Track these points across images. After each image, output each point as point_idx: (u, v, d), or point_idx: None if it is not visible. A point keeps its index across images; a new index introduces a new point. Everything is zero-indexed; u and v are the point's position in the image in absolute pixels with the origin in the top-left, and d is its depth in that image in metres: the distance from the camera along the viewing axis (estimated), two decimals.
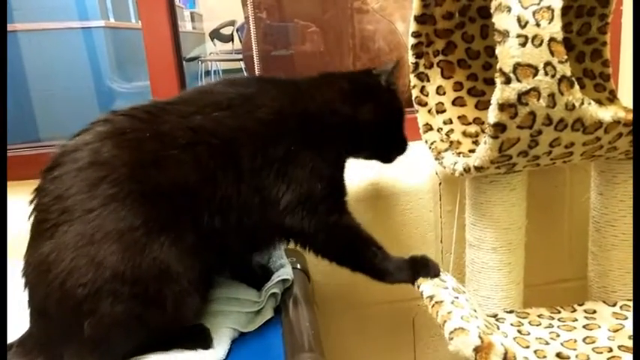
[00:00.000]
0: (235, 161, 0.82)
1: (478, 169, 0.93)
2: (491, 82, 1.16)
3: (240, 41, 5.58)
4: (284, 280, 0.98)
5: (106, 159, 0.75)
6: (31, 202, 0.78)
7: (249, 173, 0.83)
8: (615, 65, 1.37)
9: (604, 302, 1.08)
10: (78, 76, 3.27)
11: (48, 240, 0.73)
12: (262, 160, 0.84)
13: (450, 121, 1.15)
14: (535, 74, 0.80)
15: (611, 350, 0.93)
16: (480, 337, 0.78)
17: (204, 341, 0.82)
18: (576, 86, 0.83)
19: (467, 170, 0.96)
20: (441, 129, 1.15)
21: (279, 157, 0.85)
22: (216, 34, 6.06)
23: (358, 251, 0.91)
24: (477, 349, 0.77)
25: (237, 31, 5.72)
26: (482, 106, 1.16)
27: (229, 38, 6.01)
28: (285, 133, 0.87)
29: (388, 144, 1.03)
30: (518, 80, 0.80)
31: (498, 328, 1.02)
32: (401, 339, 1.36)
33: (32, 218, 0.77)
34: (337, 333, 1.31)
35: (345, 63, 2.10)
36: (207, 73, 5.75)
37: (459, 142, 1.13)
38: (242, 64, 5.34)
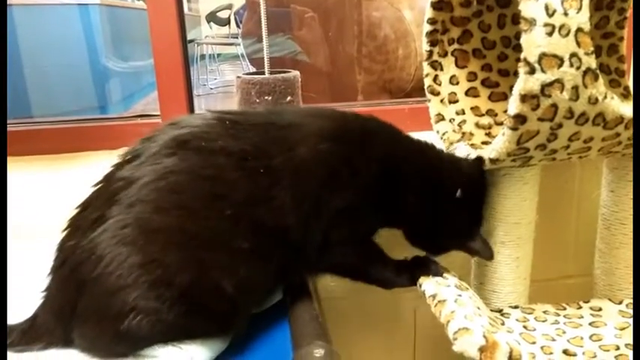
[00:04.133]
0: (319, 204, 0.83)
1: (493, 161, 0.91)
2: (505, 74, 1.15)
3: (237, 25, 5.52)
4: None
5: (229, 181, 0.77)
6: (127, 174, 0.75)
7: (323, 216, 0.84)
8: (628, 61, 1.35)
9: (610, 300, 1.07)
10: (73, 53, 3.22)
11: (146, 223, 0.72)
12: (337, 206, 0.85)
13: (463, 112, 1.13)
14: (560, 65, 0.78)
15: (618, 348, 0.92)
16: (485, 337, 0.76)
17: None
18: (600, 79, 0.81)
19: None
20: (453, 119, 1.13)
21: (348, 208, 0.86)
22: (212, 17, 6.00)
23: (362, 273, 0.94)
24: (481, 349, 0.76)
25: (235, 14, 5.66)
26: (496, 97, 1.14)
27: (226, 22, 5.95)
28: (367, 190, 0.87)
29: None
30: (543, 71, 0.78)
31: (503, 323, 1.01)
32: (402, 330, 1.35)
33: (130, 188, 0.74)
34: (337, 321, 1.29)
35: (348, 50, 2.08)
36: (203, 56, 5.69)
37: (471, 134, 1.11)
38: (238, 49, 5.31)
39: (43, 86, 2.96)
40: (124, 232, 0.70)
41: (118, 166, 0.78)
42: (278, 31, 2.32)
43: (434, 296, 0.85)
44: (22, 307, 0.80)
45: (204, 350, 0.76)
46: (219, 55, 5.95)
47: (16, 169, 0.73)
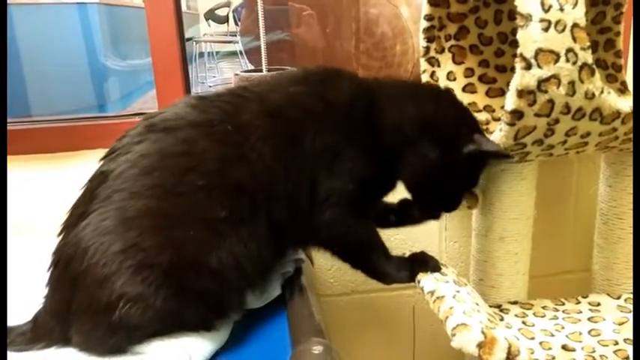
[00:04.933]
0: (301, 149, 0.81)
1: None
2: (502, 70, 1.15)
3: (236, 23, 5.51)
4: (296, 260, 0.96)
5: (197, 151, 0.76)
6: (107, 167, 0.76)
7: (307, 161, 0.82)
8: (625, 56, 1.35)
9: (608, 295, 1.08)
10: (71, 52, 3.21)
11: (123, 210, 0.72)
12: (318, 148, 0.82)
13: None
14: (556, 60, 0.78)
15: (617, 343, 0.93)
16: (483, 332, 0.76)
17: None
18: (597, 74, 0.81)
19: None
20: None
21: (331, 146, 0.83)
22: (211, 15, 5.99)
23: (364, 254, 0.90)
24: (480, 345, 0.76)
25: (233, 12, 5.65)
26: (493, 93, 1.14)
27: (224, 19, 5.94)
28: (344, 125, 0.85)
29: (438, 194, 0.91)
30: (539, 66, 0.78)
31: (502, 319, 1.01)
32: (401, 326, 1.35)
33: (108, 182, 0.74)
34: (336, 318, 1.30)
35: (346, 47, 2.07)
36: (201, 54, 5.68)
37: None
38: (237, 47, 5.30)
39: (42, 85, 2.96)
40: (105, 223, 0.71)
41: (99, 165, 0.78)
42: (276, 29, 2.31)
43: (432, 292, 0.85)
44: (21, 304, 0.80)
45: (202, 346, 0.76)
46: (217, 52, 5.93)
47: (15, 167, 0.73)
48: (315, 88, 0.86)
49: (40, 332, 0.76)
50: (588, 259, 1.15)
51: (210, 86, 5.27)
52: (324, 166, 0.82)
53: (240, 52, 5.24)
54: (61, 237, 0.76)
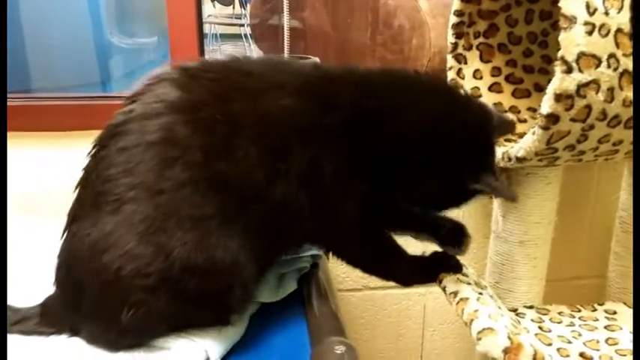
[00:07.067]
0: (289, 165, 0.73)
1: (520, 160, 0.90)
2: (530, 70, 1.13)
3: (241, 5, 5.46)
4: (313, 256, 0.94)
5: (179, 139, 0.69)
6: (90, 166, 0.71)
7: (298, 177, 0.74)
8: None
9: (624, 303, 1.07)
10: (76, 27, 3.15)
11: (110, 215, 0.67)
12: (313, 169, 0.75)
13: None
14: (597, 65, 0.77)
15: None
16: (510, 338, 0.75)
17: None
18: None
19: (507, 160, 0.93)
20: None
21: (331, 172, 0.75)
22: None
23: (379, 270, 0.88)
24: (506, 350, 0.75)
25: None
26: (520, 94, 1.12)
27: (230, 1, 5.87)
28: (346, 145, 0.76)
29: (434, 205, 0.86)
30: (580, 70, 0.76)
31: (519, 323, 1.00)
32: (410, 324, 1.35)
33: (91, 185, 0.70)
34: (346, 314, 1.28)
35: (359, 37, 2.04)
36: (205, 36, 5.62)
37: None
38: (243, 30, 5.24)
39: (45, 60, 2.90)
40: (94, 232, 0.68)
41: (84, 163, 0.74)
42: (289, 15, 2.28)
43: (455, 293, 0.84)
44: (25, 285, 0.80)
45: (218, 342, 0.74)
46: (222, 35, 5.87)
47: (15, 144, 0.70)
48: (310, 104, 0.76)
49: (50, 319, 0.75)
50: (602, 266, 1.14)
51: None
52: (325, 187, 0.76)
53: (245, 36, 5.19)
54: (62, 236, 0.74)
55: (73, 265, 0.70)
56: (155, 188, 0.67)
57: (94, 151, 0.72)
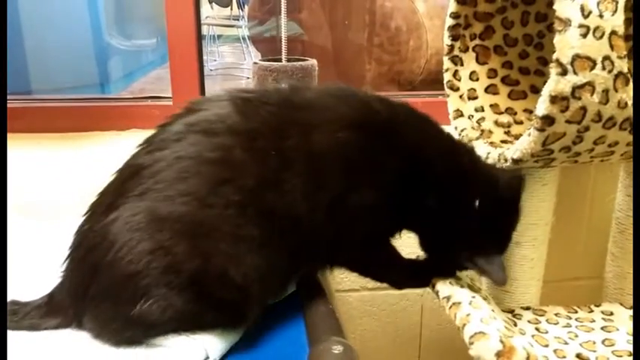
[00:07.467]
0: (328, 195, 0.78)
1: (517, 161, 0.90)
2: (526, 72, 1.14)
3: (239, 6, 5.46)
4: None
5: (236, 163, 0.74)
6: (144, 161, 0.74)
7: (333, 205, 0.78)
8: None
9: (621, 304, 1.07)
10: (75, 30, 3.16)
11: (147, 209, 0.70)
12: (351, 200, 0.79)
13: (482, 109, 1.12)
14: (592, 68, 0.77)
15: (631, 354, 0.92)
16: (502, 341, 0.75)
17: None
18: (631, 84, 0.80)
19: (503, 161, 0.93)
20: (472, 116, 1.11)
21: (367, 204, 0.80)
22: None
23: (378, 276, 0.93)
24: (498, 354, 0.75)
25: None
26: (516, 96, 1.13)
27: (228, 2, 5.87)
28: (392, 187, 0.81)
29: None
30: (575, 72, 0.77)
31: (515, 324, 1.00)
32: (408, 325, 1.35)
33: (140, 178, 0.73)
34: (343, 314, 1.29)
35: (356, 39, 2.05)
36: (203, 37, 5.61)
37: (490, 132, 1.10)
38: (239, 31, 5.25)
39: (44, 62, 2.91)
40: (136, 219, 0.70)
41: (134, 154, 0.77)
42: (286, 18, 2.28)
43: (448, 298, 0.84)
44: (25, 285, 0.81)
45: (218, 341, 0.75)
46: (219, 36, 5.87)
47: (12, 146, 0.72)
48: (367, 141, 0.80)
49: (55, 308, 0.76)
50: (599, 267, 1.15)
51: (211, 70, 5.22)
52: (351, 221, 0.81)
53: (243, 38, 5.20)
54: (86, 220, 0.76)
55: (98, 247, 0.71)
56: (206, 201, 0.71)
57: (151, 148, 0.75)
